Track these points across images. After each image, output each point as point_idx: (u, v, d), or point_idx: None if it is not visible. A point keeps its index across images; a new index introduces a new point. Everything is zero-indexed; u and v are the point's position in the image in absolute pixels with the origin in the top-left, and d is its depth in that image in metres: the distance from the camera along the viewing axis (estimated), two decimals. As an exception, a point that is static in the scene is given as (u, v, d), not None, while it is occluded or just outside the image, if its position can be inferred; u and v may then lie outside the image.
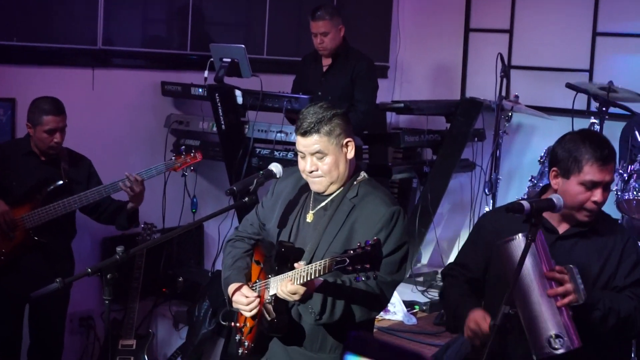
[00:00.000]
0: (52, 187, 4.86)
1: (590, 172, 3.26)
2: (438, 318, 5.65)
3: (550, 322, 3.13)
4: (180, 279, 6.00)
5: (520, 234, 3.17)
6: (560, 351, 3.10)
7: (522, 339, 3.20)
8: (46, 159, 4.94)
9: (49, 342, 5.14)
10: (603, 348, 3.36)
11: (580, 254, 3.35)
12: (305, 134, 3.27)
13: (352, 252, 2.94)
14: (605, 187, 3.31)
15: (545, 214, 3.31)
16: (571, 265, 3.19)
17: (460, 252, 3.71)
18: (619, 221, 4.70)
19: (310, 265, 3.08)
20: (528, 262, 3.13)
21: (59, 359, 5.21)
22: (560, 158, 3.32)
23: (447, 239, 7.37)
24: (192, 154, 5.15)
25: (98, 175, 5.13)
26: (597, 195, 3.28)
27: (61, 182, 4.88)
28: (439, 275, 6.73)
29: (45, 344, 5.13)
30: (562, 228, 3.41)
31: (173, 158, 5.16)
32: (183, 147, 5.27)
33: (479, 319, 3.25)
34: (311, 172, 3.32)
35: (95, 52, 5.91)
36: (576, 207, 3.30)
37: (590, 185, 3.28)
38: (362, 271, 2.93)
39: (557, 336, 3.11)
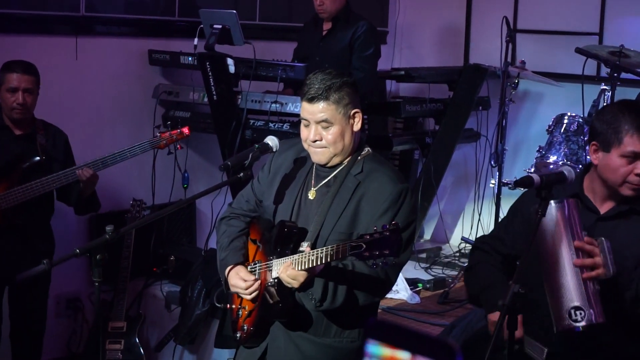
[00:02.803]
0: (28, 163, 4.65)
1: (630, 142, 3.17)
2: (442, 297, 5.57)
3: (574, 293, 3.06)
4: (172, 258, 5.89)
5: (553, 201, 3.09)
6: (581, 324, 3.03)
7: (542, 317, 3.14)
8: (21, 132, 4.73)
9: (31, 325, 5.01)
10: (632, 332, 3.25)
11: (621, 235, 3.23)
12: (312, 100, 3.13)
13: (368, 236, 2.80)
14: None
15: (588, 193, 3.28)
16: (602, 238, 3.10)
17: (497, 226, 3.69)
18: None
19: (320, 249, 2.95)
20: (558, 230, 3.09)
21: (41, 341, 5.10)
22: (599, 131, 3.25)
23: (451, 213, 7.26)
24: (178, 130, 4.95)
25: (72, 151, 4.95)
26: (638, 166, 3.19)
27: (37, 158, 4.68)
28: (443, 252, 6.66)
29: (27, 327, 5.00)
30: (605, 208, 3.30)
31: (158, 135, 4.96)
32: (169, 122, 5.07)
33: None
34: (314, 141, 3.18)
35: (78, 19, 5.77)
36: (619, 182, 3.21)
37: (633, 157, 3.18)
38: (380, 257, 2.79)
39: (578, 308, 3.04)
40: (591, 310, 3.02)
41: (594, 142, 3.25)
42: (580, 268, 3.06)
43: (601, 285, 3.07)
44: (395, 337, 1.29)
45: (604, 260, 3.06)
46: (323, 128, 3.14)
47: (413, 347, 1.28)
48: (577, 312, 3.02)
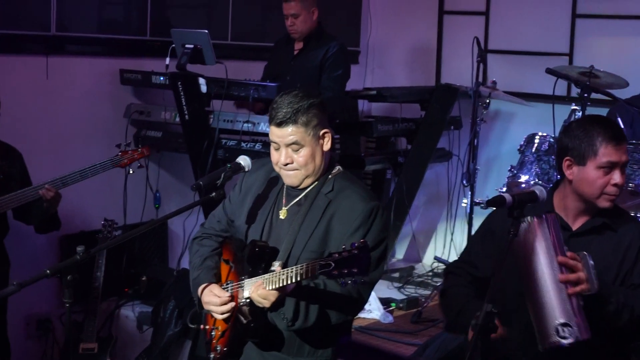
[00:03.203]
0: None
1: (606, 153, 3.22)
2: (415, 316, 5.56)
3: (558, 310, 3.05)
4: (144, 278, 5.88)
5: (533, 217, 3.10)
6: (568, 341, 3.02)
7: (528, 345, 3.13)
8: None
9: None
10: (613, 344, 3.29)
11: (595, 250, 3.23)
12: (280, 124, 3.13)
13: (337, 255, 2.80)
14: (622, 168, 3.26)
15: (559, 211, 3.29)
16: (585, 253, 3.11)
17: (466, 250, 3.65)
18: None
19: (290, 268, 2.94)
20: (539, 247, 3.08)
21: None
22: (570, 147, 3.28)
23: (423, 233, 7.25)
24: (138, 150, 4.96)
25: (27, 170, 4.84)
26: (616, 176, 3.24)
27: None
28: (416, 271, 6.66)
29: None
30: (577, 224, 3.32)
31: (119, 154, 4.94)
32: (125, 143, 5.04)
33: None
34: (286, 164, 3.18)
35: (48, 38, 5.73)
36: (596, 194, 3.25)
37: (609, 167, 3.23)
38: (349, 276, 2.78)
39: (565, 325, 3.03)
40: (577, 326, 3.02)
41: (567, 158, 3.27)
42: (565, 284, 3.06)
43: (585, 301, 3.07)
44: (364, 357, 1.30)
45: (587, 275, 3.06)
46: (293, 151, 3.14)
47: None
48: (565, 329, 3.02)
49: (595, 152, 3.21)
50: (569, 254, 3.09)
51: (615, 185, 3.22)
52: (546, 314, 3.05)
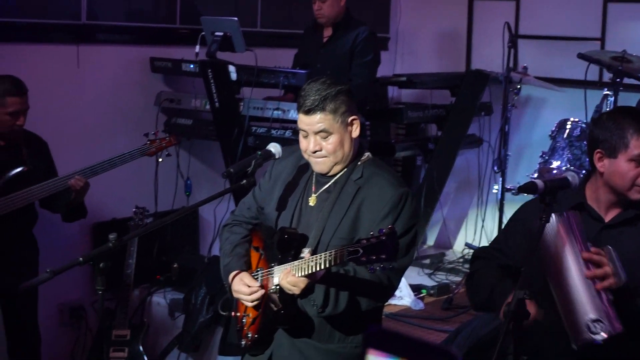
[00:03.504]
0: (12, 173, 4.59)
1: (638, 145, 3.16)
2: (446, 303, 5.54)
3: (588, 306, 3.01)
4: (175, 265, 5.89)
5: (554, 215, 3.06)
6: (600, 336, 2.98)
7: (558, 335, 3.09)
8: (5, 143, 4.68)
9: (25, 338, 4.95)
10: None
11: (628, 242, 3.20)
12: (309, 112, 3.12)
13: (365, 241, 2.77)
14: None
15: (592, 202, 3.26)
16: (609, 247, 3.07)
17: (497, 238, 3.62)
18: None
19: (318, 255, 2.93)
20: (564, 245, 3.05)
21: (39, 352, 5.05)
22: (601, 139, 3.23)
23: (454, 219, 7.23)
24: (166, 138, 5.01)
25: (52, 159, 4.91)
26: None
27: (21, 168, 4.61)
28: (447, 257, 6.65)
29: (21, 340, 4.94)
30: (609, 216, 3.27)
31: (148, 143, 4.99)
32: (152, 132, 5.08)
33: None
34: (314, 152, 3.17)
35: (79, 27, 5.76)
36: (628, 186, 3.19)
37: (636, 158, 3.17)
38: (377, 262, 2.76)
39: (596, 320, 2.99)
40: (609, 321, 2.99)
41: (598, 150, 3.22)
42: (592, 279, 3.03)
43: (614, 295, 3.04)
44: (395, 346, 1.28)
45: (613, 268, 3.03)
46: (322, 138, 3.13)
47: (414, 356, 1.27)
48: (596, 325, 2.98)
49: (627, 145, 3.16)
50: (593, 249, 3.06)
51: None
52: (576, 312, 3.02)
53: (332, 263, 2.86)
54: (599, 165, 3.23)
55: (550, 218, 3.04)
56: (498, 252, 3.46)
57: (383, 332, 1.30)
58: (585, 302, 3.01)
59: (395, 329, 4.96)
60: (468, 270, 3.76)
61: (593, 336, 2.98)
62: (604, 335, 2.97)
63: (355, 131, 3.18)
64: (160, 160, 5.14)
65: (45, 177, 4.66)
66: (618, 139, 3.17)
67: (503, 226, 5.74)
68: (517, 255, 3.34)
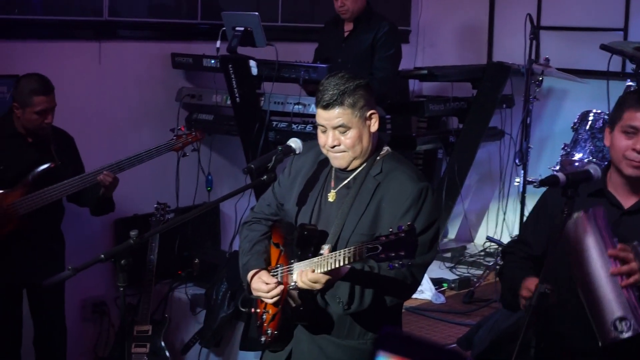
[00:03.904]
0: (41, 169, 4.67)
1: (629, 117, 3.15)
2: (467, 296, 5.54)
3: (615, 304, 2.97)
4: (197, 261, 5.91)
5: (580, 212, 3.04)
6: (627, 334, 2.95)
7: (582, 324, 3.06)
8: (33, 140, 4.75)
9: (52, 330, 5.03)
10: None
11: None
12: (327, 106, 3.10)
13: (384, 238, 2.76)
14: None
15: (611, 189, 3.22)
16: (636, 243, 3.02)
17: (521, 229, 3.66)
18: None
19: (338, 251, 2.92)
20: (589, 242, 3.01)
21: (64, 345, 5.12)
22: (610, 116, 3.28)
23: (475, 212, 7.21)
24: (192, 133, 5.05)
25: (79, 153, 4.98)
26: (637, 141, 3.14)
27: (49, 164, 4.69)
28: (468, 251, 6.63)
29: (49, 332, 5.02)
30: (629, 202, 3.22)
31: (174, 138, 5.03)
32: (178, 127, 5.12)
33: (531, 286, 3.08)
34: (333, 146, 3.15)
35: (101, 23, 5.79)
36: (619, 159, 3.17)
37: (631, 132, 3.15)
38: (396, 259, 2.74)
39: (622, 319, 2.95)
40: (635, 319, 2.96)
41: (607, 127, 3.25)
42: (618, 276, 2.99)
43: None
44: (406, 348, 1.27)
45: (639, 264, 2.99)
46: (340, 133, 3.12)
47: (425, 358, 1.26)
48: (622, 323, 2.95)
49: (621, 116, 3.16)
50: (619, 245, 3.02)
51: (636, 150, 3.12)
52: (602, 310, 2.99)
53: (351, 260, 2.85)
54: (605, 141, 3.24)
55: (576, 214, 3.02)
56: (522, 244, 3.45)
57: (395, 335, 1.29)
58: (612, 300, 2.98)
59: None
60: (497, 266, 3.76)
61: (620, 335, 2.94)
62: (630, 333, 2.94)
63: (374, 125, 3.16)
64: (186, 155, 5.19)
65: (73, 173, 4.73)
66: (616, 112, 3.19)
67: (526, 217, 5.76)
68: (540, 244, 3.32)
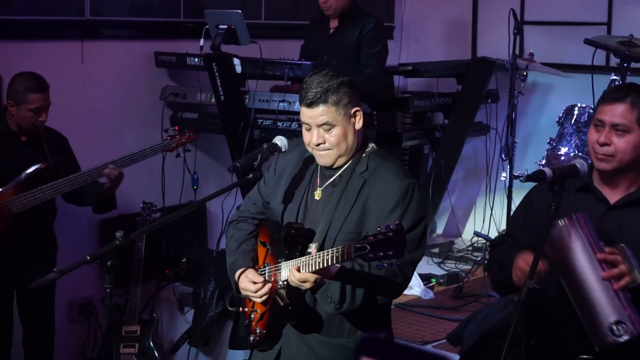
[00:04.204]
0: (34, 168, 4.69)
1: (600, 110, 3.17)
2: (456, 291, 5.52)
3: (609, 309, 2.96)
4: (184, 260, 5.89)
5: (563, 219, 3.02)
6: (624, 338, 2.94)
7: (575, 325, 3.05)
8: (27, 139, 4.77)
9: (41, 331, 5.03)
10: None
11: (633, 224, 3.15)
12: (311, 104, 3.10)
13: (372, 237, 2.76)
14: (614, 129, 3.12)
15: (596, 183, 3.21)
16: (622, 245, 3.01)
17: (509, 222, 3.63)
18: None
19: (326, 251, 2.92)
20: (577, 248, 3.00)
21: (51, 345, 5.12)
22: None
23: (462, 207, 7.21)
24: (186, 134, 5.07)
25: (74, 154, 5.01)
26: (602, 136, 3.13)
27: (42, 164, 4.71)
28: (455, 246, 6.63)
29: (38, 332, 5.03)
30: (615, 197, 3.21)
31: (168, 138, 5.07)
32: (176, 126, 5.12)
33: (529, 257, 3.07)
34: (318, 144, 3.15)
35: (83, 22, 5.76)
36: (591, 153, 3.19)
37: (599, 125, 3.16)
38: (385, 258, 2.74)
39: (618, 322, 2.94)
40: (630, 321, 2.95)
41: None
42: (609, 280, 2.98)
43: (631, 293, 3.00)
44: (389, 354, 1.26)
45: (629, 266, 2.98)
46: (325, 131, 3.11)
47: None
48: (619, 327, 2.94)
49: (595, 110, 3.19)
50: (607, 249, 3.01)
51: (599, 143, 3.12)
52: (597, 315, 2.98)
53: (339, 260, 2.84)
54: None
55: (560, 222, 3.01)
56: (509, 238, 3.44)
57: (377, 340, 1.28)
58: (605, 305, 2.96)
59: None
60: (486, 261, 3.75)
61: (617, 339, 2.94)
62: (627, 337, 2.93)
63: (358, 123, 3.16)
64: (179, 155, 5.20)
65: (67, 172, 4.74)
66: (595, 107, 3.21)
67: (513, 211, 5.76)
68: (527, 238, 3.31)
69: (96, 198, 4.90)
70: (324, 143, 3.13)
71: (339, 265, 2.94)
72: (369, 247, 2.74)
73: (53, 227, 5.00)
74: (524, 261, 3.08)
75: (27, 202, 4.61)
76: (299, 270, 2.97)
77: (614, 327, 2.93)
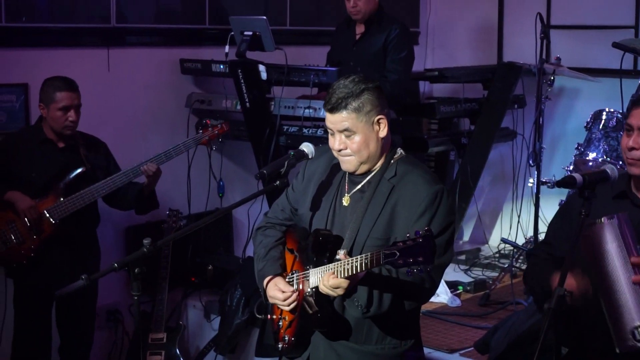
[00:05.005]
0: (73, 174, 4.74)
1: (630, 115, 3.16)
2: (483, 299, 5.48)
3: (635, 312, 2.94)
4: (210, 267, 5.90)
5: (604, 218, 3.00)
6: None
7: (600, 328, 3.03)
8: (64, 145, 4.82)
9: (78, 339, 5.05)
10: None
11: None
12: (332, 110, 3.10)
13: (401, 243, 2.75)
14: None
15: (634, 189, 3.19)
16: None
17: (547, 230, 3.55)
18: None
19: (355, 257, 2.90)
20: (612, 248, 2.97)
21: (88, 355, 5.13)
22: None
23: (489, 214, 7.17)
24: (218, 125, 5.11)
25: (114, 158, 5.06)
26: (631, 140, 3.14)
27: (81, 169, 4.77)
28: (482, 253, 6.59)
29: (74, 341, 5.05)
30: None
31: (200, 131, 5.10)
32: (204, 121, 5.16)
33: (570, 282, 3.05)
34: (339, 150, 3.15)
35: (109, 30, 5.79)
36: (624, 158, 3.18)
37: (629, 129, 3.16)
38: (414, 264, 2.73)
39: None
40: None
41: None
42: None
43: None
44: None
45: None
46: (346, 137, 3.11)
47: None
48: None
49: (626, 115, 3.18)
50: None
51: (629, 148, 3.12)
52: (622, 317, 2.96)
53: (369, 266, 2.84)
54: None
55: (599, 220, 2.99)
56: (546, 246, 3.42)
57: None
58: (632, 308, 2.95)
59: (430, 328, 4.92)
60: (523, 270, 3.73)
61: (638, 344, 2.92)
62: None
63: (383, 131, 3.13)
64: (213, 149, 5.20)
65: (107, 177, 4.79)
66: (626, 112, 3.22)
67: (540, 217, 5.71)
68: (563, 246, 3.28)
69: (136, 198, 4.93)
70: (346, 149, 3.13)
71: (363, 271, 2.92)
72: (398, 254, 2.72)
73: (96, 234, 5.04)
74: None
75: (67, 209, 4.66)
76: (334, 275, 2.95)
77: (636, 332, 2.92)
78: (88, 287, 3.06)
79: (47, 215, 4.66)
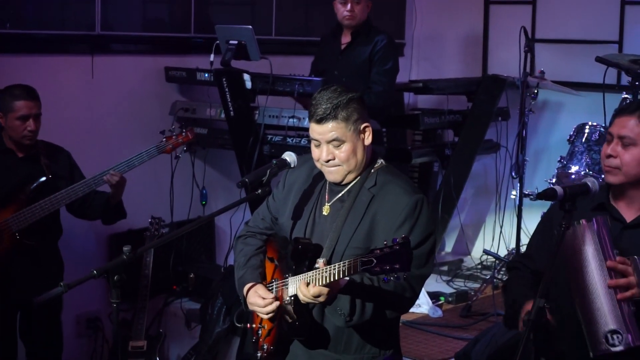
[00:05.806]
0: (35, 184, 4.63)
1: (612, 124, 3.19)
2: (464, 310, 5.49)
3: (609, 317, 2.97)
4: (191, 275, 5.89)
5: (582, 220, 3.04)
6: (618, 348, 2.95)
7: (575, 334, 3.05)
8: (24, 154, 4.71)
9: (48, 348, 4.98)
10: None
11: None
12: (320, 120, 3.09)
13: (378, 251, 2.75)
14: (623, 142, 3.14)
15: (614, 202, 3.21)
16: (635, 257, 3.01)
17: (528, 242, 3.59)
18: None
19: (332, 265, 2.90)
20: (588, 251, 3.01)
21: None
22: None
23: (472, 225, 7.19)
24: (183, 133, 5.01)
25: (79, 167, 4.94)
26: (609, 148, 3.17)
27: (44, 178, 4.66)
28: (465, 264, 6.60)
29: (44, 350, 4.97)
30: (631, 216, 3.20)
31: (164, 140, 4.98)
32: (173, 126, 5.09)
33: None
34: (327, 161, 3.14)
35: (93, 37, 5.76)
36: (603, 167, 3.21)
37: (609, 139, 3.19)
38: (391, 272, 2.73)
39: (614, 332, 2.95)
40: (628, 334, 2.94)
41: None
42: (614, 289, 2.98)
43: (636, 306, 3.00)
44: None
45: (638, 279, 2.98)
46: (334, 147, 3.11)
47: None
48: (614, 336, 2.95)
49: (608, 126, 3.24)
50: (618, 258, 3.01)
51: (605, 155, 3.15)
52: (596, 321, 2.99)
53: (346, 274, 2.83)
54: None
55: (580, 223, 3.02)
56: (527, 259, 3.43)
57: None
58: (606, 312, 2.97)
59: (411, 338, 4.92)
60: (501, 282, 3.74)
61: (611, 348, 2.94)
62: (621, 347, 2.93)
63: (368, 139, 3.15)
64: (179, 157, 5.13)
65: (68, 186, 4.67)
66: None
67: (522, 230, 5.73)
68: (543, 258, 3.29)
69: (103, 208, 4.84)
70: (334, 159, 3.12)
71: (347, 278, 2.92)
72: (375, 261, 2.72)
73: (58, 246, 4.93)
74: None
75: (27, 219, 4.55)
76: (307, 285, 2.94)
77: (609, 336, 2.94)
78: (59, 296, 3.03)
79: (7, 225, 4.55)
